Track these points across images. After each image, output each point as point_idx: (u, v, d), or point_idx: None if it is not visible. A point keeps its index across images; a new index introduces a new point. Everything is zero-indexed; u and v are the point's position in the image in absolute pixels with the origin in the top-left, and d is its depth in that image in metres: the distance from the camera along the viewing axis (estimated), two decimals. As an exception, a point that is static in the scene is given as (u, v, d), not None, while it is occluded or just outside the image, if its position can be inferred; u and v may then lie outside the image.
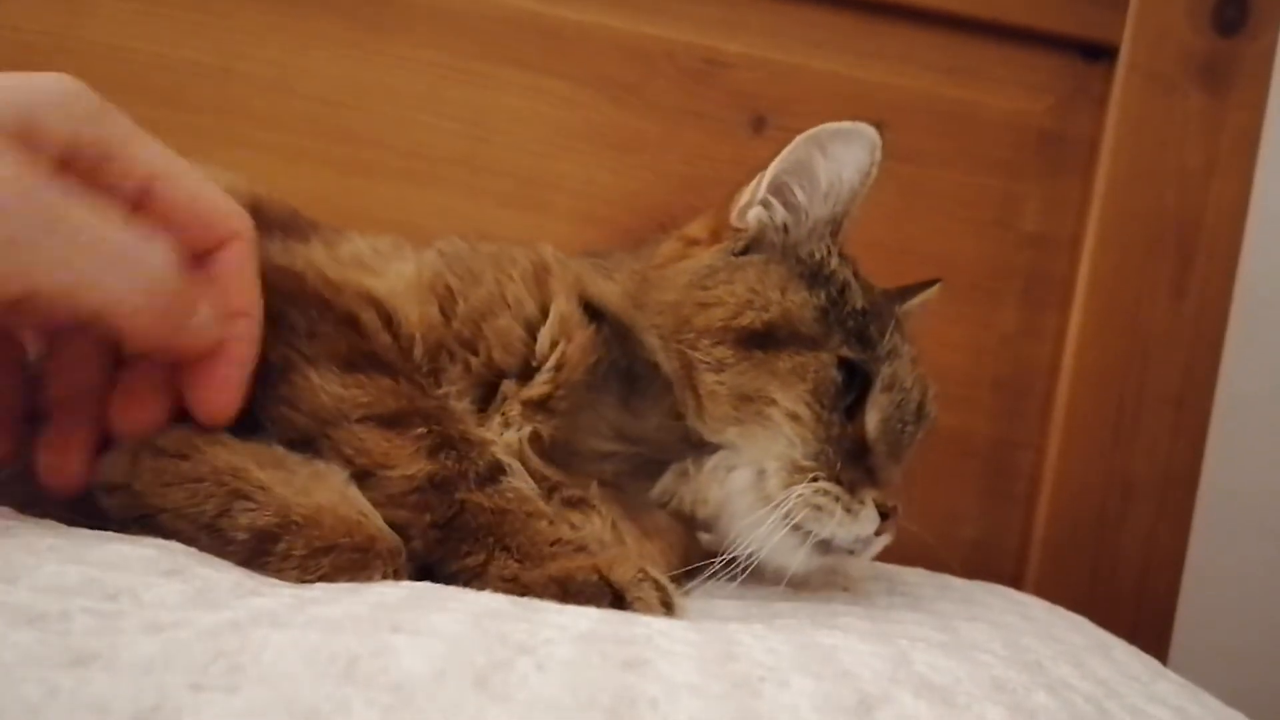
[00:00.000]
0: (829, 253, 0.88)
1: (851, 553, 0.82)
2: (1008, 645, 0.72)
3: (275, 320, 0.70)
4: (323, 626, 0.47)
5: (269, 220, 0.83)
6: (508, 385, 0.78)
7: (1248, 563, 1.43)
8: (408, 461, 0.67)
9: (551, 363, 0.79)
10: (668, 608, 0.63)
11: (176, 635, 0.44)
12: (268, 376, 0.69)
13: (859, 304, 0.86)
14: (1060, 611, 0.96)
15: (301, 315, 0.72)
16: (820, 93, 1.30)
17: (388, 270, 0.82)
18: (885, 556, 1.14)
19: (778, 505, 0.78)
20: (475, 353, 0.78)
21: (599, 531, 0.75)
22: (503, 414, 0.77)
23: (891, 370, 0.85)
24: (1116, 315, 1.29)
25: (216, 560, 0.60)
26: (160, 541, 0.60)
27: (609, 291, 0.85)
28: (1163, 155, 1.29)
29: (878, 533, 0.81)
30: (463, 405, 0.76)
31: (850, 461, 0.81)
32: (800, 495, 0.78)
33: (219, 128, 1.23)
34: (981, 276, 1.32)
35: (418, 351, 0.77)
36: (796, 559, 0.80)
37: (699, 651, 0.51)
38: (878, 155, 0.86)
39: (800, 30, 1.30)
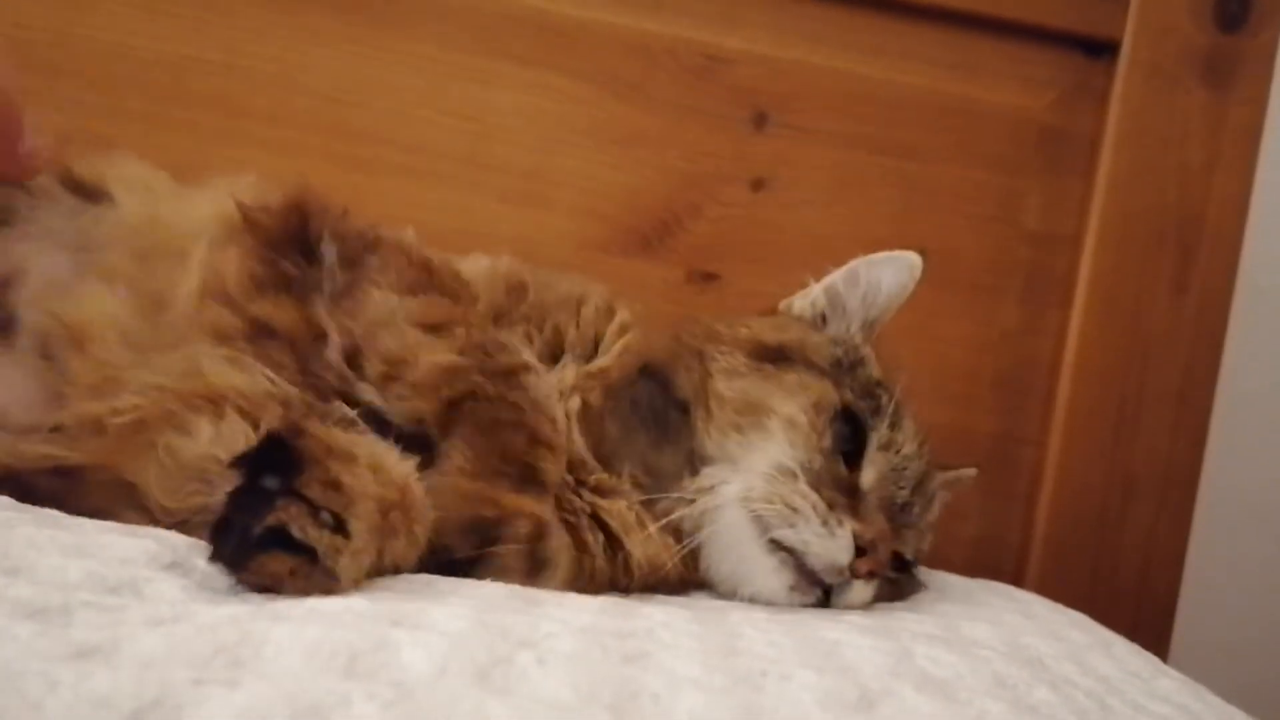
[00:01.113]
0: (858, 339, 0.96)
1: (828, 590, 0.78)
2: (1009, 642, 0.72)
3: (353, 262, 0.78)
4: (323, 621, 0.46)
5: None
6: (567, 357, 0.85)
7: (1248, 559, 1.43)
8: (438, 352, 0.73)
9: (610, 346, 0.86)
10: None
11: (177, 629, 0.44)
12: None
13: (873, 374, 0.91)
14: (1061, 609, 0.96)
15: (378, 258, 0.79)
16: (821, 89, 1.30)
17: (466, 259, 0.89)
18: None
19: (754, 501, 0.78)
20: (540, 329, 0.85)
21: (623, 512, 0.78)
22: (561, 376, 0.82)
23: (890, 435, 0.86)
24: (1118, 311, 1.28)
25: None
26: (161, 534, 0.60)
27: (655, 337, 0.91)
28: (1164, 151, 1.28)
29: (855, 573, 0.77)
30: (518, 345, 0.81)
31: (838, 489, 0.80)
32: (778, 492, 0.78)
33: (220, 124, 1.23)
34: (983, 273, 1.32)
35: (481, 305, 0.83)
36: (771, 580, 0.77)
37: (701, 644, 0.51)
38: (916, 274, 0.95)
39: (801, 26, 1.30)
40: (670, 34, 1.29)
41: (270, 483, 0.53)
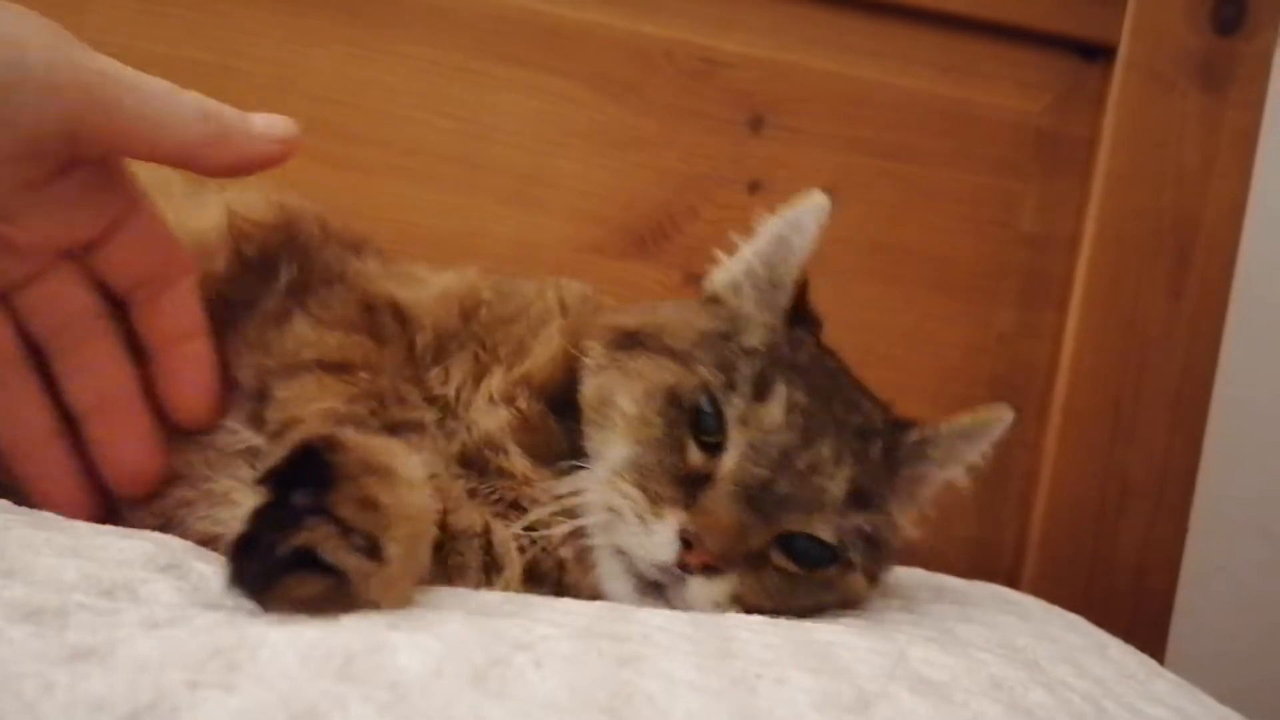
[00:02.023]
0: (749, 305, 0.86)
1: (661, 587, 0.71)
2: (1005, 644, 0.73)
3: (304, 288, 0.77)
4: (319, 624, 0.47)
5: (332, 237, 0.88)
6: (498, 367, 0.81)
7: (1245, 562, 1.44)
8: (325, 400, 0.69)
9: (536, 348, 0.82)
10: None
11: (173, 632, 0.44)
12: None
13: (743, 343, 0.81)
14: (1057, 611, 0.96)
15: (328, 289, 0.78)
16: (819, 92, 1.30)
17: (433, 280, 0.86)
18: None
19: (593, 508, 0.74)
20: (485, 346, 0.81)
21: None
22: (490, 391, 0.79)
23: (749, 408, 0.76)
24: (1114, 315, 1.29)
25: (213, 555, 0.60)
26: (158, 536, 0.60)
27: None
28: (1160, 155, 1.29)
29: (685, 568, 0.70)
30: (453, 385, 0.78)
31: (676, 483, 0.73)
32: (604, 496, 0.73)
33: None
34: (979, 276, 1.32)
35: (423, 338, 0.79)
36: (616, 586, 0.72)
37: (696, 647, 0.51)
38: (823, 217, 0.85)
39: (799, 29, 1.30)
40: (667, 36, 1.29)
41: (300, 499, 0.51)
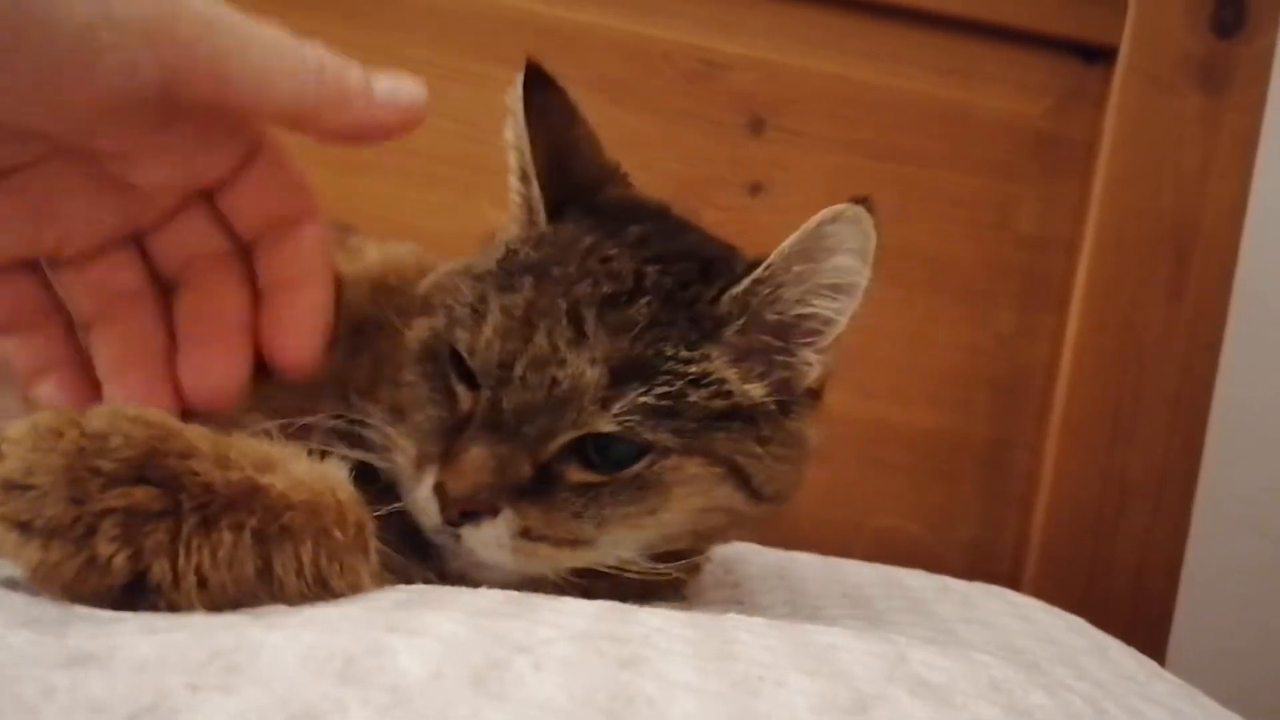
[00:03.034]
0: (512, 230, 0.79)
1: (452, 550, 0.67)
2: (1005, 646, 0.73)
3: None
4: (319, 627, 0.47)
5: None
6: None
7: (1246, 563, 1.44)
8: None
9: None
10: None
11: (173, 636, 0.44)
12: None
13: (486, 267, 0.74)
14: (1058, 613, 0.96)
15: None
16: (818, 94, 1.30)
17: (367, 254, 0.84)
18: (883, 556, 1.16)
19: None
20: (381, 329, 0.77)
21: None
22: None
23: (474, 336, 0.69)
24: (1113, 316, 1.29)
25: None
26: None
27: None
28: (1160, 157, 1.29)
29: (451, 522, 0.66)
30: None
31: (443, 437, 0.68)
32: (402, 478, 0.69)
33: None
34: (978, 278, 1.32)
35: (339, 332, 0.75)
36: (444, 557, 0.69)
37: (696, 650, 0.51)
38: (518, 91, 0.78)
39: (798, 31, 1.30)
40: (667, 38, 1.29)
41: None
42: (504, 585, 0.66)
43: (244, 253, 0.66)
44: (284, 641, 0.44)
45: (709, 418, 0.68)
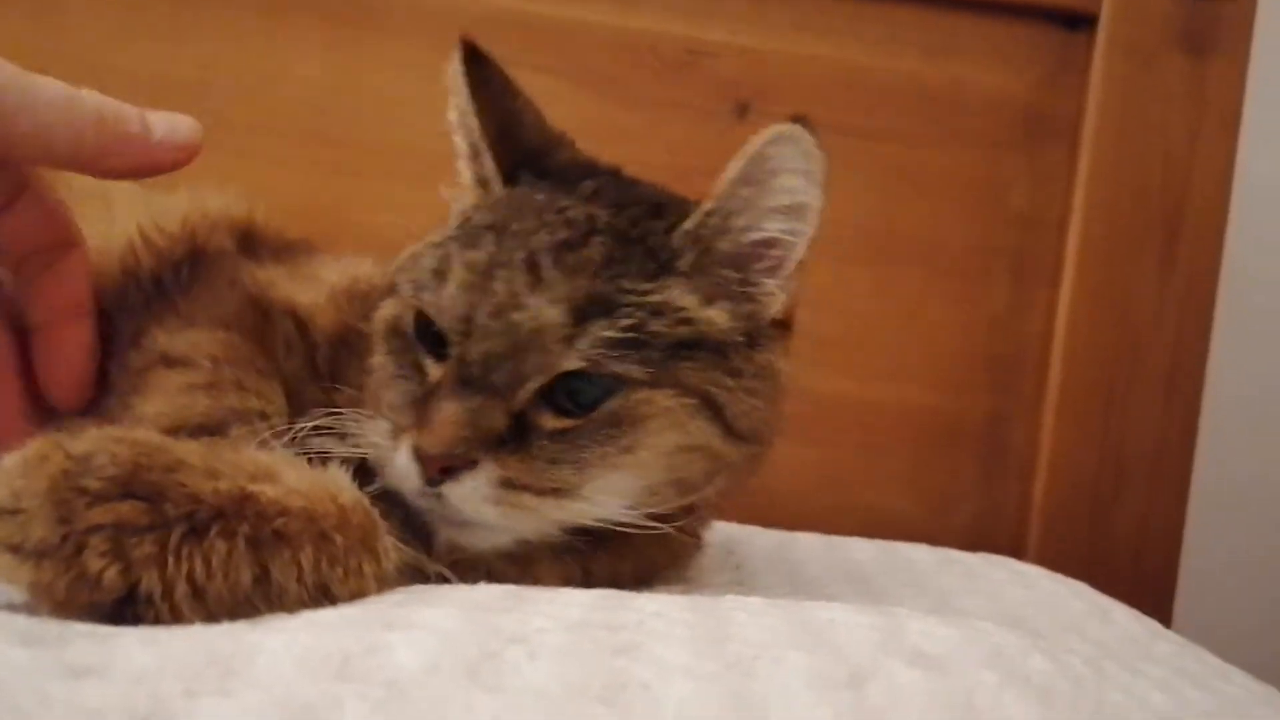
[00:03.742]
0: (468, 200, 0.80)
1: (450, 520, 0.68)
2: (1007, 614, 0.73)
3: (194, 302, 0.76)
4: (316, 628, 0.47)
5: (259, 246, 0.88)
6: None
7: (1247, 537, 1.43)
8: (157, 397, 0.69)
9: None
10: None
11: (171, 645, 0.44)
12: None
13: (442, 235, 0.76)
14: (1062, 579, 0.96)
15: (206, 292, 0.78)
16: (802, 77, 1.30)
17: (325, 277, 0.84)
18: (884, 537, 1.16)
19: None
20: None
21: None
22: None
23: (438, 296, 0.70)
24: (1106, 290, 1.29)
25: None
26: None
27: None
28: (1146, 123, 1.29)
29: (431, 482, 0.66)
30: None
31: (415, 407, 0.68)
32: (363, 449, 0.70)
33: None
34: (970, 256, 1.32)
35: (322, 353, 0.78)
36: (435, 527, 0.69)
37: (692, 632, 0.51)
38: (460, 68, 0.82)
39: (780, 15, 1.30)
40: (651, 29, 1.29)
41: None
42: (496, 551, 0.68)
43: (6, 293, 0.70)
44: (281, 644, 0.44)
45: (674, 346, 0.69)
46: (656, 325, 0.68)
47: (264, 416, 0.70)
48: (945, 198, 1.32)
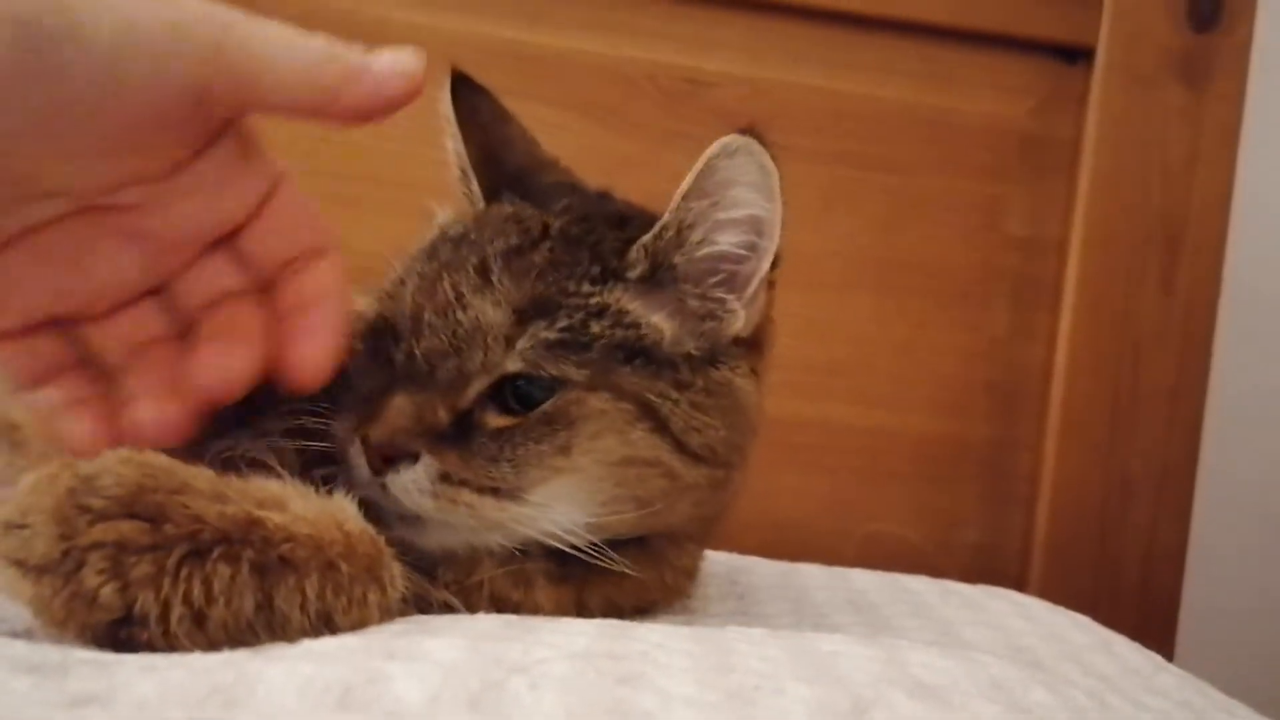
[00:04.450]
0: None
1: (400, 516, 0.67)
2: (1008, 645, 0.73)
3: None
4: (317, 658, 0.47)
5: None
6: None
7: (1251, 554, 1.43)
8: None
9: None
10: None
11: (172, 674, 0.44)
12: None
13: (420, 245, 0.78)
14: (1063, 611, 0.96)
15: None
16: (801, 106, 1.31)
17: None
18: (888, 564, 1.15)
19: None
20: None
21: None
22: None
23: (394, 295, 0.72)
24: (1106, 313, 1.29)
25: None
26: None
27: None
28: (1145, 153, 1.29)
29: (376, 472, 0.66)
30: None
31: (371, 400, 0.69)
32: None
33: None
34: (970, 281, 1.32)
35: None
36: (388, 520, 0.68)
37: (695, 663, 0.51)
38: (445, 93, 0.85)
39: (779, 46, 1.31)
40: (650, 59, 1.30)
41: None
42: (451, 552, 0.68)
43: (264, 290, 0.67)
44: (283, 674, 0.44)
45: (615, 350, 0.69)
46: (596, 326, 0.69)
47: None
48: (945, 224, 1.33)
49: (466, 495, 0.66)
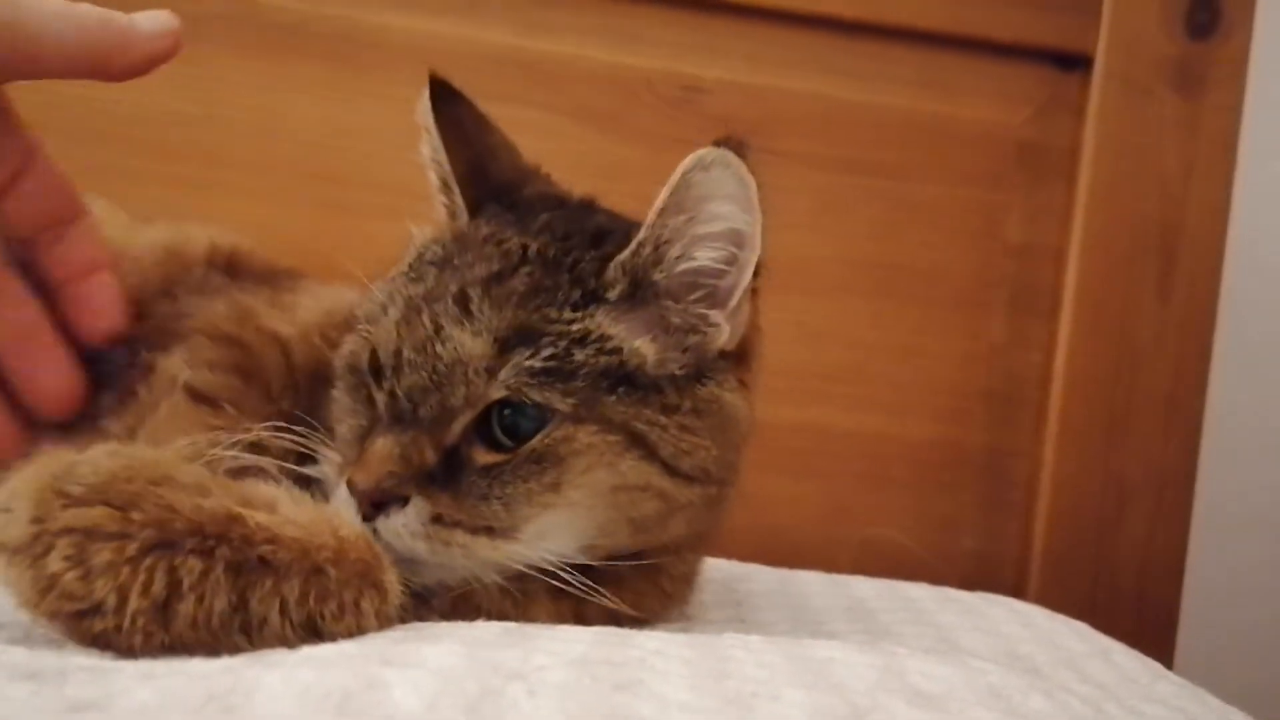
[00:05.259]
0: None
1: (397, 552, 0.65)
2: (1006, 653, 0.73)
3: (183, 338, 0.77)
4: (315, 665, 0.47)
5: (243, 272, 0.89)
6: None
7: (1248, 561, 1.43)
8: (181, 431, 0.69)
9: None
10: None
11: (170, 681, 0.44)
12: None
13: (397, 271, 0.76)
14: (1061, 618, 0.96)
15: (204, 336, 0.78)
16: (799, 113, 1.31)
17: (305, 306, 0.85)
18: (886, 570, 1.15)
19: None
20: None
21: None
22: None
23: (382, 332, 0.70)
24: (1104, 321, 1.29)
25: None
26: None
27: None
28: (1142, 160, 1.30)
29: (366, 517, 0.64)
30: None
31: (357, 441, 0.69)
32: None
33: (202, 175, 1.24)
34: (968, 288, 1.32)
35: (302, 387, 0.78)
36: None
37: (692, 670, 0.51)
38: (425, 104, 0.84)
39: (777, 53, 1.31)
40: (648, 66, 1.30)
41: None
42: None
43: (24, 261, 0.71)
44: (280, 681, 0.44)
45: (600, 377, 0.67)
46: (580, 354, 0.67)
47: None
48: (943, 231, 1.33)
49: (460, 536, 0.65)
